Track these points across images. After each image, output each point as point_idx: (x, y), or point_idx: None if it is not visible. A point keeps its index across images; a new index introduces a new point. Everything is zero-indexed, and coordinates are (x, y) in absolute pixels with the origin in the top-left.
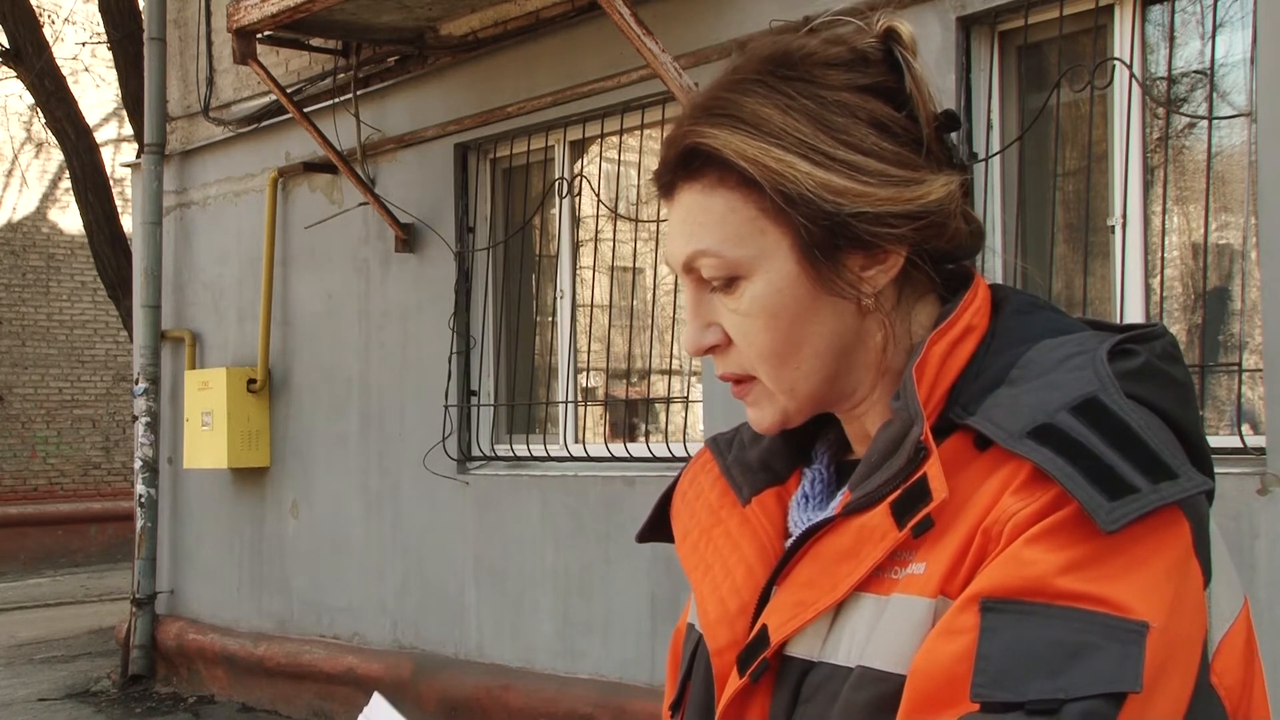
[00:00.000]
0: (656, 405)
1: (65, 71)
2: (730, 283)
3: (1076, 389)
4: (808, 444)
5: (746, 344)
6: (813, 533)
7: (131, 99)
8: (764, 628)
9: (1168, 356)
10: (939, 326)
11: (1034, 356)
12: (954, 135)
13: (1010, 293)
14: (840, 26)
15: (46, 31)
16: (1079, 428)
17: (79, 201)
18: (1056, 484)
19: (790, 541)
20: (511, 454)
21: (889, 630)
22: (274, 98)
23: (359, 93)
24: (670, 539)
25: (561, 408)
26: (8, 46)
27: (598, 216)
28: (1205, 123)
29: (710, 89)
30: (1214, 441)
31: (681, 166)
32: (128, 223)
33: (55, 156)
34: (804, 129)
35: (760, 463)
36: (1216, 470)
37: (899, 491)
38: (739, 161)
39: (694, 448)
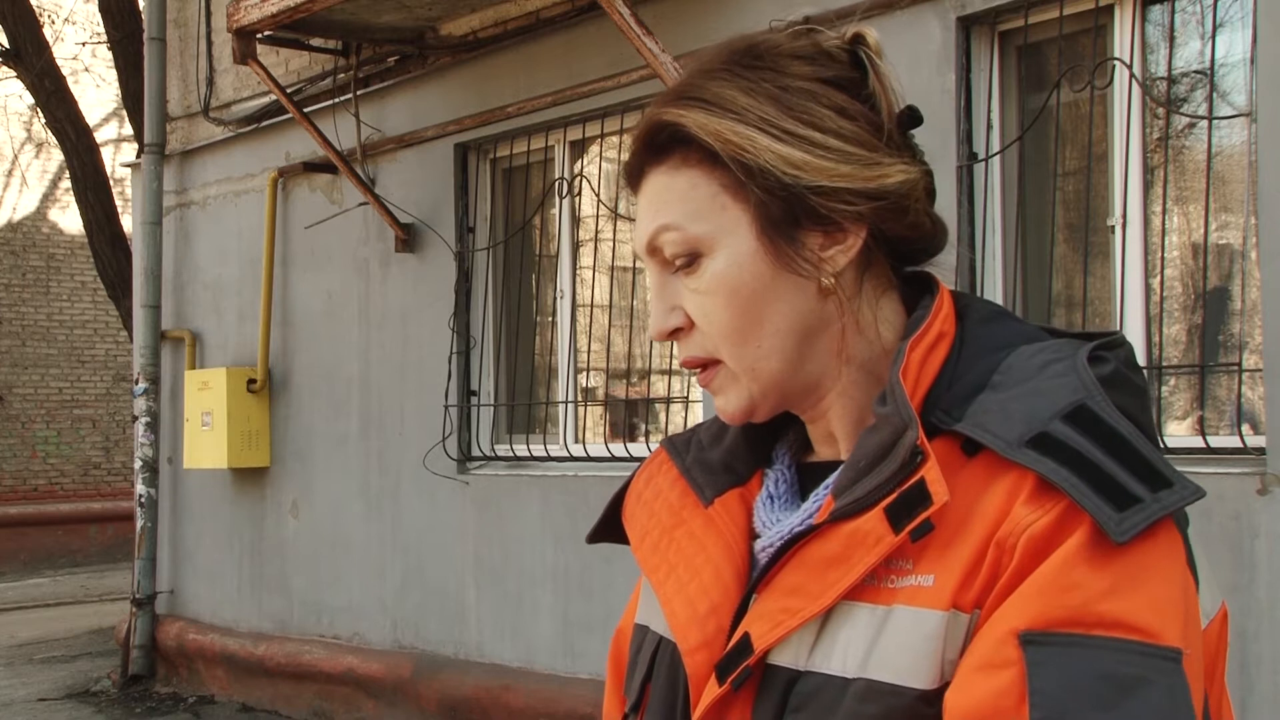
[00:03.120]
0: (656, 405)
1: (65, 71)
2: (692, 261)
3: (1064, 396)
4: (768, 446)
5: (708, 323)
6: (796, 539)
7: (131, 99)
8: (746, 635)
9: (1132, 364)
10: (915, 333)
11: (1014, 363)
12: (914, 132)
13: (972, 300)
14: (812, 33)
15: (46, 31)
16: (1075, 436)
17: (79, 201)
18: (1064, 495)
19: (767, 545)
20: (511, 454)
21: (896, 642)
22: (274, 98)
23: (359, 93)
24: (622, 540)
25: (561, 408)
26: (8, 46)
27: (598, 216)
28: (1205, 123)
29: (679, 80)
30: (1214, 441)
31: (648, 149)
32: (128, 223)
33: (55, 156)
34: (766, 109)
35: (722, 464)
36: (1216, 470)
37: (894, 496)
38: (700, 134)
39: None
